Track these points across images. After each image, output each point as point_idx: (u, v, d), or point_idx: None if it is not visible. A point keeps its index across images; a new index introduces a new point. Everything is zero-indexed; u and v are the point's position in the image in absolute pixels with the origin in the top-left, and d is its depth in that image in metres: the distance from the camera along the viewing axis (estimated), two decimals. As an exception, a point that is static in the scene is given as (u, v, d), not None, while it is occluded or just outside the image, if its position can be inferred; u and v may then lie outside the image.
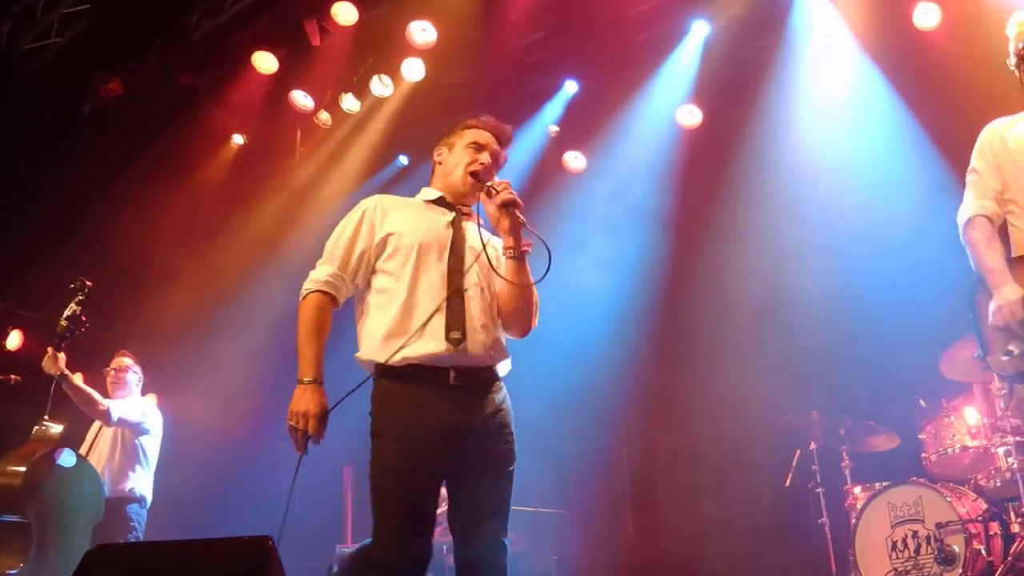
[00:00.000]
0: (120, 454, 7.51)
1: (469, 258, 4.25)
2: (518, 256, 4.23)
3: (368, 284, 4.24)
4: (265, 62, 8.89)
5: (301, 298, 4.21)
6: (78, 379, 6.89)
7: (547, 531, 8.81)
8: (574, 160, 9.87)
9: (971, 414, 7.09)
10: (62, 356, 6.61)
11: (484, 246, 4.23)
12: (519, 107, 9.53)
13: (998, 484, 6.80)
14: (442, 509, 8.90)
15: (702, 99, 9.07)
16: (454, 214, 4.37)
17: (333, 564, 8.04)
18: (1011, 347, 4.22)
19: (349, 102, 9.40)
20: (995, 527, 6.63)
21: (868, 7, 8.10)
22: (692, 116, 9.17)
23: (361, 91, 9.35)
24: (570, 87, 9.40)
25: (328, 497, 9.02)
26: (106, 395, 7.40)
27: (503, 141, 4.57)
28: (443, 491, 9.06)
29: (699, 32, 8.70)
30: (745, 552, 8.66)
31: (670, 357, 9.57)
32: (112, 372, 7.73)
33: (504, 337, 4.32)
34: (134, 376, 7.79)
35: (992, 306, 4.27)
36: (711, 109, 9.16)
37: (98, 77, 8.81)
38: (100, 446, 7.54)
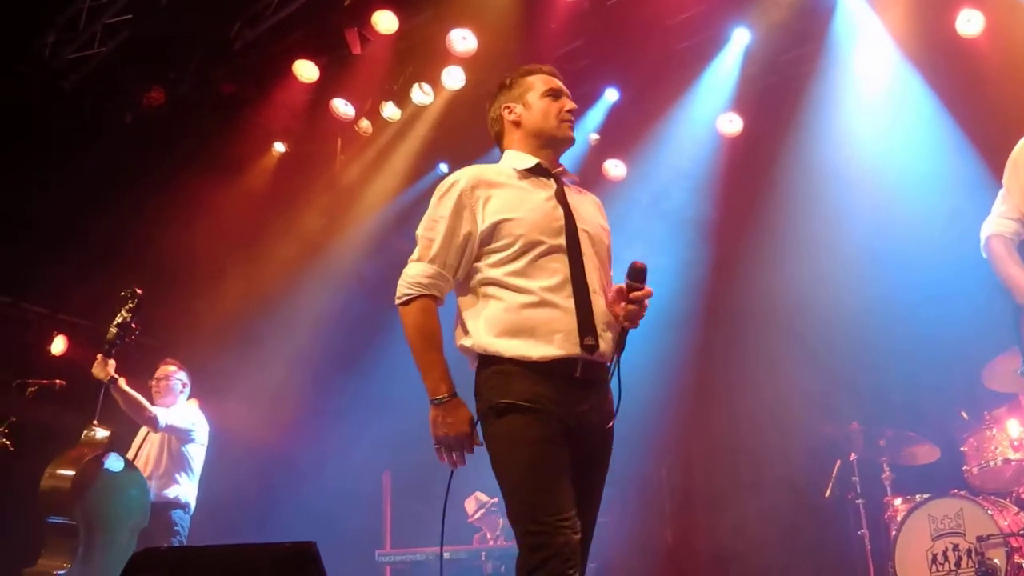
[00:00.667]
0: (167, 460, 7.56)
1: (585, 244, 3.89)
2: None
3: (472, 271, 3.86)
4: (306, 70, 8.94)
5: (402, 303, 3.81)
6: (127, 385, 6.96)
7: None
8: (614, 168, 9.87)
9: (1014, 426, 7.02)
10: (112, 362, 6.69)
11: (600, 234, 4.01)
12: (559, 114, 9.54)
13: (1043, 496, 6.76)
14: (479, 514, 8.96)
15: (742, 107, 9.05)
16: (555, 184, 4.02)
17: None
18: None
19: (390, 110, 9.44)
20: (1037, 541, 6.58)
21: (911, 14, 8.05)
22: (733, 124, 9.15)
23: (402, 99, 9.38)
24: (610, 95, 9.37)
25: (368, 503, 9.08)
26: (152, 402, 7.46)
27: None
28: (480, 496, 9.08)
29: (740, 40, 8.65)
30: (783, 563, 8.65)
31: (710, 365, 9.55)
32: (155, 382, 7.78)
33: None
34: (178, 383, 7.82)
35: None
36: (751, 117, 9.13)
37: (141, 86, 8.91)
38: (147, 452, 7.60)
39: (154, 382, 7.78)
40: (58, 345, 9.59)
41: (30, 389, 7.18)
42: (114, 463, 6.41)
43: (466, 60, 8.79)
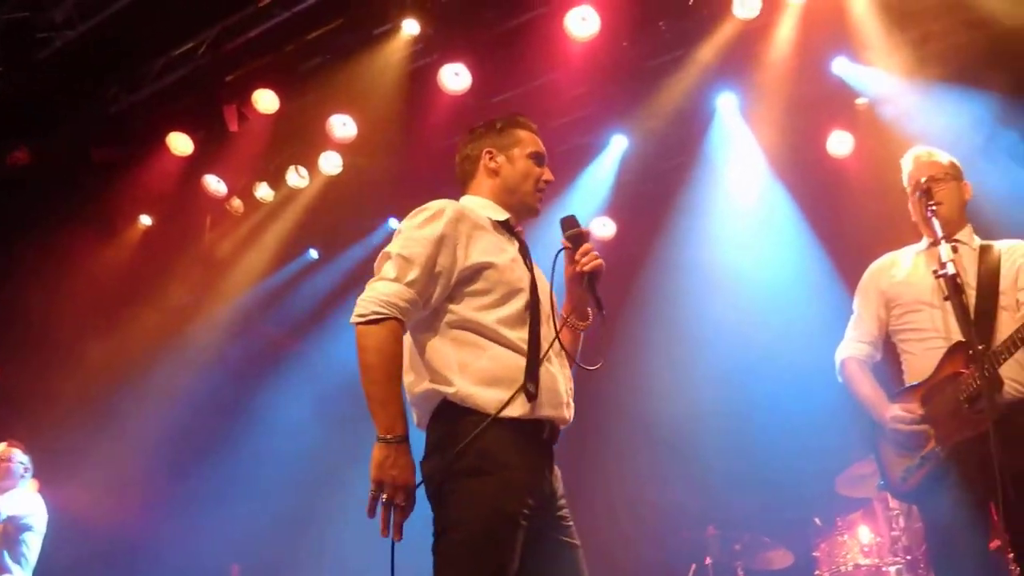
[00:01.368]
0: (3, 548, 7.20)
1: (545, 305, 3.71)
2: (580, 329, 3.89)
3: (442, 310, 3.58)
4: (180, 143, 8.76)
5: (368, 321, 3.41)
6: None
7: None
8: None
9: (865, 533, 7.20)
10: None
11: (553, 308, 3.80)
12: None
13: (891, 603, 6.89)
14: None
15: (616, 211, 9.23)
16: (517, 243, 3.80)
17: None
18: (908, 470, 4.42)
19: (263, 191, 9.31)
20: (887, 646, 6.69)
21: (784, 132, 8.36)
22: (606, 228, 9.31)
23: (276, 180, 9.29)
24: (488, 192, 9.42)
25: None
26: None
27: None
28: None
29: (618, 146, 8.89)
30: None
31: (572, 466, 9.54)
32: None
33: None
34: (20, 466, 7.42)
35: (888, 427, 4.44)
36: (624, 222, 9.31)
37: (6, 144, 8.67)
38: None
39: None
40: None
41: None
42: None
43: (345, 146, 8.78)
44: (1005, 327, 4.30)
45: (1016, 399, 4.28)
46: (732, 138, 8.54)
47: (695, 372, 8.66)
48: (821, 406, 7.27)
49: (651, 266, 8.97)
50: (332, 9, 7.84)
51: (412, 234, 3.55)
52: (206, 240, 9.89)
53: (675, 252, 8.81)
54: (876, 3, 7.33)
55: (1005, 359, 4.17)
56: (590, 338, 3.98)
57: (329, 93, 8.42)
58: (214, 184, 9.26)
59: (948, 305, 4.30)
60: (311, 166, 9.14)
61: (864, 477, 7.15)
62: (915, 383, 4.50)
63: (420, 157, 8.83)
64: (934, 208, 4.40)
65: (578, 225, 3.80)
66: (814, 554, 7.41)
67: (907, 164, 4.85)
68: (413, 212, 3.65)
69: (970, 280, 4.48)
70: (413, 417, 3.59)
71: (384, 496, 3.27)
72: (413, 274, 3.46)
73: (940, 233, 4.28)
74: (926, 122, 7.60)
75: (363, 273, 9.63)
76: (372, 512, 3.29)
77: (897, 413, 4.43)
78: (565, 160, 8.97)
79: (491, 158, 3.90)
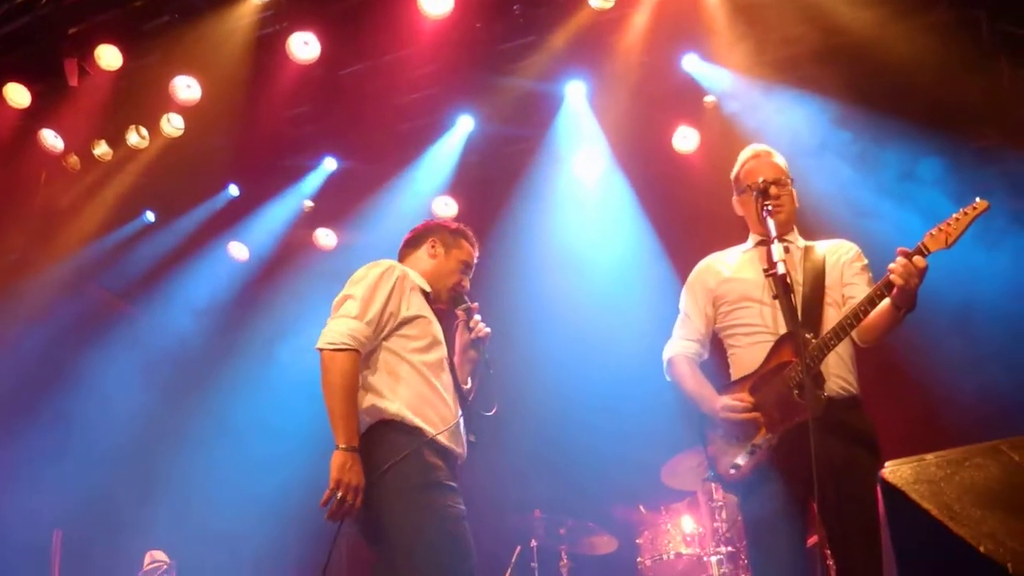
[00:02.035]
0: None
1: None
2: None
3: (379, 347, 4.46)
4: (17, 95, 8.41)
5: (336, 349, 4.26)
6: None
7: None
8: (324, 237, 9.85)
9: (688, 523, 7.36)
10: None
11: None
12: (275, 176, 9.53)
13: (710, 591, 7.09)
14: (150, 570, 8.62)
15: (459, 192, 9.24)
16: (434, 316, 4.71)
17: None
18: (738, 460, 4.46)
19: (102, 149, 9.01)
20: (704, 633, 6.86)
21: (630, 124, 8.46)
22: (448, 207, 9.32)
23: (116, 140, 8.98)
24: (329, 164, 9.41)
25: (35, 562, 8.57)
26: None
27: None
28: (157, 555, 8.75)
29: (464, 126, 8.88)
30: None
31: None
32: None
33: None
34: None
35: (718, 417, 4.51)
36: (467, 203, 9.33)
37: None
38: None
39: None
40: None
41: None
42: None
43: (188, 109, 8.54)
44: (831, 323, 4.38)
45: (839, 394, 4.40)
46: (579, 126, 8.59)
47: (529, 355, 8.70)
48: (650, 395, 7.42)
49: (491, 248, 8.95)
50: (182, -33, 7.67)
51: (371, 282, 4.45)
52: (41, 195, 9.56)
53: (515, 235, 8.83)
54: (727, 3, 7.46)
55: (833, 346, 4.27)
56: (480, 388, 4.87)
57: (175, 53, 8.20)
58: (51, 139, 8.89)
59: (777, 303, 4.41)
60: (152, 127, 8.87)
61: (690, 469, 7.33)
62: (743, 375, 4.57)
63: (264, 125, 8.71)
64: (770, 208, 4.50)
65: (467, 301, 4.84)
66: (637, 541, 7.55)
67: (745, 160, 4.92)
68: (368, 266, 4.56)
69: (798, 278, 4.58)
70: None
71: (339, 493, 4.03)
72: (371, 314, 4.36)
73: (774, 233, 4.36)
74: (766, 121, 7.78)
75: (199, 239, 9.47)
76: (326, 503, 4.05)
77: (728, 402, 4.50)
78: (410, 137, 8.96)
79: (434, 247, 4.90)
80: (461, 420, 4.56)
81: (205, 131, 8.88)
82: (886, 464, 2.21)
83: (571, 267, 8.73)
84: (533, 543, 7.83)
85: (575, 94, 8.51)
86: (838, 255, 4.75)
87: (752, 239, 4.90)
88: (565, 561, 7.72)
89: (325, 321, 4.43)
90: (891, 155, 7.56)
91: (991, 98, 7.51)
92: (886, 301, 4.23)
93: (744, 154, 4.97)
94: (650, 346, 5.19)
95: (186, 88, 8.39)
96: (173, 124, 8.81)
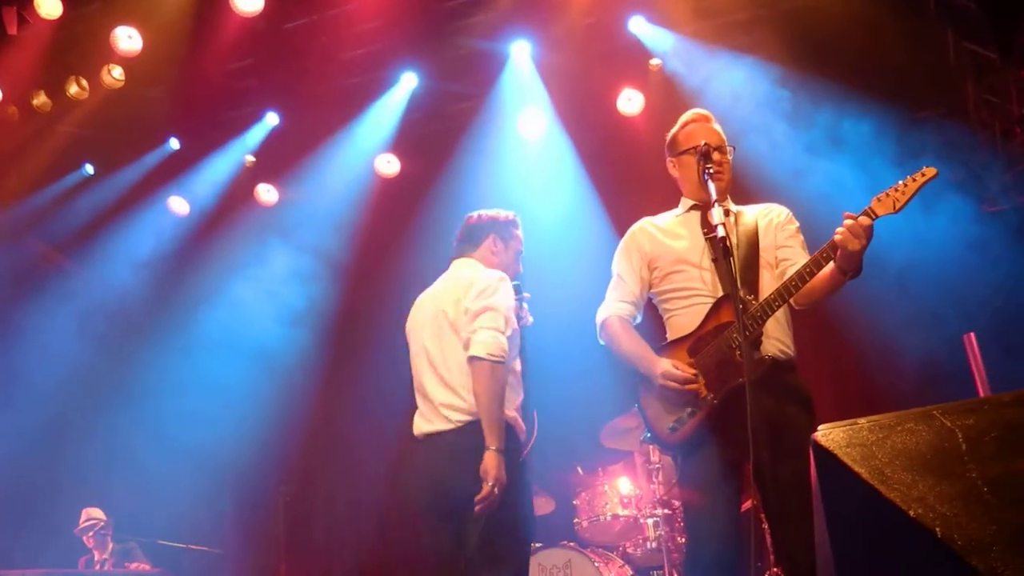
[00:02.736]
0: None
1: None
2: None
3: None
4: (-48, 44, 8.29)
5: (498, 361, 4.55)
6: None
7: (197, 570, 8.65)
8: (266, 193, 9.75)
9: (625, 484, 7.39)
10: None
11: None
12: (217, 130, 9.44)
13: (646, 552, 7.16)
14: (88, 527, 8.57)
15: (402, 150, 9.20)
16: None
17: None
18: (675, 423, 4.46)
19: (41, 99, 8.85)
20: (640, 593, 6.92)
21: (575, 85, 8.47)
22: (390, 165, 9.28)
23: (55, 91, 8.82)
24: (271, 119, 9.34)
25: None
26: None
27: None
28: (93, 512, 8.72)
29: (407, 83, 8.83)
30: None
31: (337, 401, 9.55)
32: None
33: None
34: None
35: (657, 383, 4.50)
36: (410, 161, 9.29)
37: None
38: None
39: None
40: None
41: None
42: None
43: (128, 59, 8.39)
44: (768, 284, 4.38)
45: (777, 356, 4.37)
46: (523, 85, 8.57)
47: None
48: (588, 356, 7.44)
49: (432, 205, 8.95)
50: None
51: (506, 295, 4.79)
52: (-25, 147, 9.40)
53: (457, 193, 8.78)
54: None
55: (777, 307, 4.23)
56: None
57: (116, 3, 8.12)
58: (-11, 89, 8.77)
59: (714, 266, 4.41)
60: (92, 78, 8.71)
61: (629, 430, 7.34)
62: (681, 336, 4.51)
63: (206, 78, 8.62)
64: (711, 172, 4.46)
65: (522, 291, 5.18)
66: (574, 502, 7.56)
67: (686, 122, 4.83)
68: (493, 276, 4.86)
69: (734, 241, 4.58)
70: None
71: (496, 490, 4.38)
72: (511, 330, 4.71)
73: (715, 196, 4.32)
74: (708, 84, 7.80)
75: (140, 193, 9.35)
76: (484, 498, 4.41)
77: (667, 370, 4.40)
78: (353, 93, 8.90)
79: (495, 243, 5.18)
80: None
81: (146, 83, 8.78)
82: (819, 427, 2.22)
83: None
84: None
85: (520, 53, 8.49)
86: (769, 218, 4.71)
87: (684, 203, 4.85)
88: (502, 520, 7.74)
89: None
90: (827, 116, 7.57)
91: (934, 70, 7.58)
92: (831, 264, 4.24)
93: (685, 116, 4.88)
94: (589, 305, 5.18)
95: (127, 39, 8.23)
96: (113, 75, 8.63)
